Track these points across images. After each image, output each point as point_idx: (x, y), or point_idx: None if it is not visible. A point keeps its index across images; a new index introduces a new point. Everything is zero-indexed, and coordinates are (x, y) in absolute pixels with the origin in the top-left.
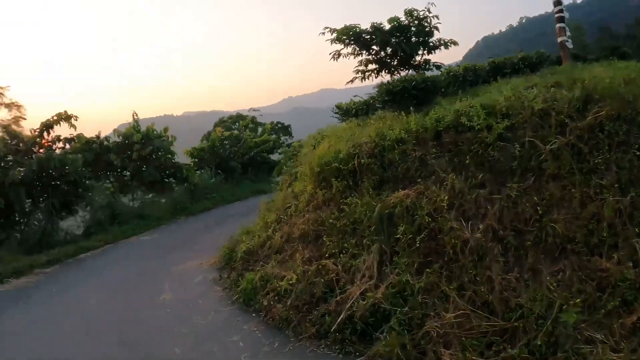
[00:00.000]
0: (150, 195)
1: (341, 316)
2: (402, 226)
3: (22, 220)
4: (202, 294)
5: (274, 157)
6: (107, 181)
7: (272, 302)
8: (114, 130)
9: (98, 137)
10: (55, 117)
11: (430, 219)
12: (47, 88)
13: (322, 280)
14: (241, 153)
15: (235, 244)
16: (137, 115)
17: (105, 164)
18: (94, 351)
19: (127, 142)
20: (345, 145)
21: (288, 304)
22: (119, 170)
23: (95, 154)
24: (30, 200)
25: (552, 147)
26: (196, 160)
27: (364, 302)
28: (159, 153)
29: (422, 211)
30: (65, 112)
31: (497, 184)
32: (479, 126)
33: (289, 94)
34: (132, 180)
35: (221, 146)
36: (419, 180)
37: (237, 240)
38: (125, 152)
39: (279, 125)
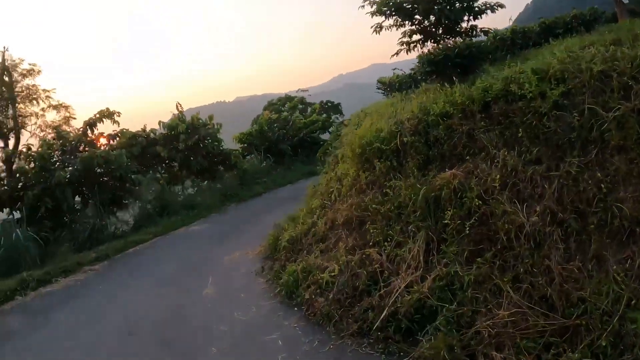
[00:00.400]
0: (200, 184)
1: (384, 312)
2: (449, 210)
3: (71, 219)
4: (245, 286)
5: (326, 137)
6: (156, 174)
7: (313, 296)
8: (160, 122)
9: (144, 130)
10: (97, 115)
11: (480, 202)
12: (95, 86)
13: (365, 271)
14: (291, 135)
15: (280, 231)
16: (181, 106)
17: (152, 156)
18: (133, 352)
19: (172, 133)
20: (386, 123)
21: (330, 297)
22: (166, 161)
23: (141, 148)
24: (79, 198)
25: (616, 114)
26: (245, 145)
27: (409, 297)
28: (206, 141)
29: (472, 193)
30: (107, 109)
31: (555, 159)
32: (531, 94)
33: (339, 71)
34: (181, 171)
35: (269, 129)
36: (467, 157)
37: (282, 228)
38: (171, 143)
39: (329, 104)
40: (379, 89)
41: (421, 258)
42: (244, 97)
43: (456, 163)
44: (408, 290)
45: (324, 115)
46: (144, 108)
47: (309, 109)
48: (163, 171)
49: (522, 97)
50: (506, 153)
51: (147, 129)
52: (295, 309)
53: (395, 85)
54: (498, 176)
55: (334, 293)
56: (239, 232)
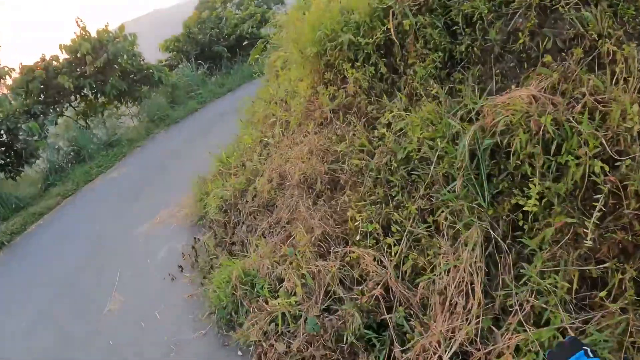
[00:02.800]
0: (124, 112)
1: None
2: (532, 178)
3: None
4: (164, 293)
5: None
6: (63, 111)
7: (265, 341)
8: (60, 46)
9: (43, 59)
10: None
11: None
12: None
13: (360, 309)
14: (226, 34)
15: (203, 191)
16: (82, 21)
17: (57, 90)
18: None
19: (77, 56)
20: None
21: (293, 348)
22: (75, 92)
23: (41, 82)
24: None
25: None
26: (174, 53)
27: None
28: (119, 59)
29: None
30: None
31: None
32: None
33: None
34: (96, 99)
35: (200, 31)
36: (548, 60)
37: (206, 182)
38: (77, 70)
39: None
40: None
41: (479, 278)
42: (180, 1)
43: (520, 70)
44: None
45: (264, 6)
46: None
47: (245, 1)
48: (76, 105)
49: None
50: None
51: (48, 58)
52: (240, 353)
53: None
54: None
55: (300, 339)
56: (165, 174)
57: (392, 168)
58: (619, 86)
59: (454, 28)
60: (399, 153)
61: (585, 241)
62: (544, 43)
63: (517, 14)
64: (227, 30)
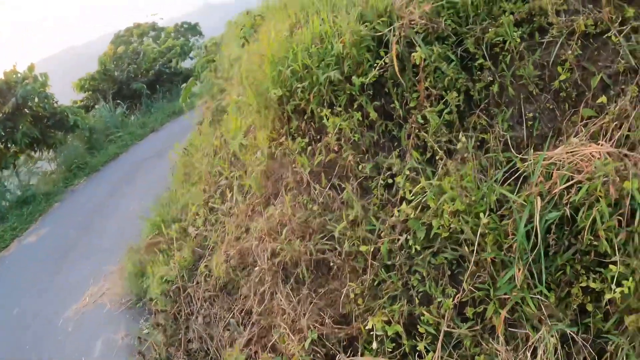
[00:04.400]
0: (37, 161)
1: None
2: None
3: None
4: None
5: (188, 64)
6: None
7: None
8: None
9: None
10: None
11: None
12: None
13: None
14: (144, 70)
15: (138, 267)
16: None
17: None
18: None
19: None
20: (345, 19)
21: None
22: None
23: None
24: None
25: None
26: (90, 92)
27: None
28: (29, 102)
29: None
30: None
31: None
32: None
33: None
34: (7, 149)
35: (116, 67)
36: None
37: (143, 261)
38: None
39: (185, 26)
40: None
41: None
42: (94, 37)
43: (555, 114)
44: None
45: (182, 39)
46: None
47: (163, 35)
48: None
49: None
50: None
51: None
52: None
53: None
54: None
55: None
56: (89, 235)
57: (412, 251)
58: None
59: (466, 61)
60: (419, 232)
61: None
62: (587, 79)
63: (557, 44)
64: (145, 65)
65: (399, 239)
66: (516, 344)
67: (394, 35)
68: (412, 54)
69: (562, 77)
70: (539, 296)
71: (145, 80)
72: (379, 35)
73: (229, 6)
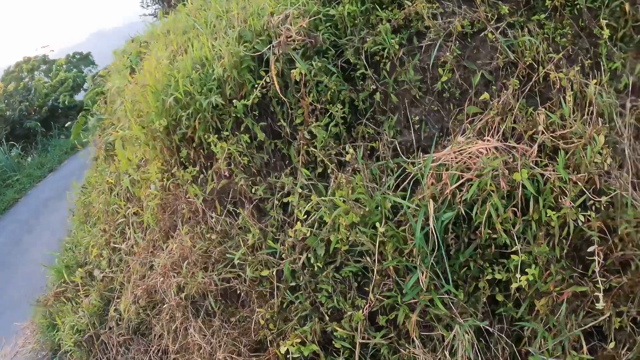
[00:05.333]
0: None
1: None
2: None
3: None
4: None
5: (82, 96)
6: None
7: None
8: None
9: None
10: None
11: None
12: None
13: None
14: (38, 106)
15: (51, 308)
16: None
17: None
18: None
19: None
20: (223, 41)
21: None
22: None
23: None
24: None
25: None
26: None
27: None
28: None
29: None
30: None
31: None
32: None
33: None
34: None
35: (7, 106)
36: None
37: (52, 301)
38: None
39: (77, 57)
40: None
41: None
42: None
43: (440, 114)
44: None
45: (74, 70)
46: None
47: (54, 68)
48: None
49: None
50: None
51: None
52: None
53: None
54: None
55: None
56: None
57: (315, 269)
58: (578, 117)
59: (348, 72)
60: (318, 249)
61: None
62: (469, 77)
63: (436, 46)
64: (38, 101)
65: (300, 258)
66: (433, 345)
67: (273, 54)
68: (292, 71)
69: (444, 78)
70: (448, 295)
71: (39, 118)
72: (259, 55)
73: (121, 31)
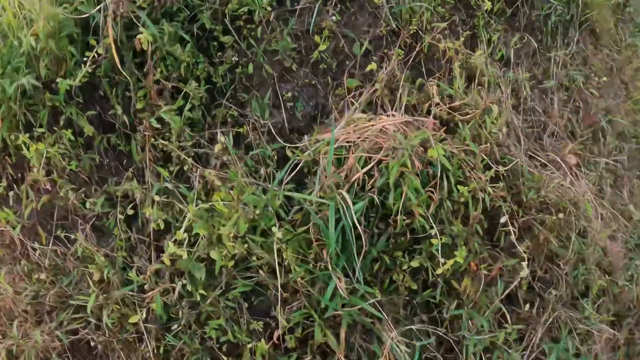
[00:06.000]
0: None
1: None
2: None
3: None
4: None
5: None
6: None
7: None
8: None
9: None
10: None
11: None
12: None
13: None
14: None
15: None
16: None
17: None
18: None
19: None
20: (34, 2)
21: None
22: None
23: None
24: None
25: None
26: None
27: None
28: None
29: None
30: None
31: None
32: None
33: None
34: None
35: None
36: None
37: None
38: None
39: None
40: None
41: None
42: None
43: (317, 89)
44: None
45: None
46: None
47: None
48: None
49: None
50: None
51: None
52: None
53: None
54: None
55: None
56: None
57: (195, 297)
58: (470, 89)
59: (202, 41)
60: (197, 272)
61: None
62: (349, 47)
63: (313, 11)
64: None
65: (174, 288)
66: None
67: (107, 16)
68: (138, 37)
69: (323, 47)
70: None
71: None
72: (86, 19)
73: None
